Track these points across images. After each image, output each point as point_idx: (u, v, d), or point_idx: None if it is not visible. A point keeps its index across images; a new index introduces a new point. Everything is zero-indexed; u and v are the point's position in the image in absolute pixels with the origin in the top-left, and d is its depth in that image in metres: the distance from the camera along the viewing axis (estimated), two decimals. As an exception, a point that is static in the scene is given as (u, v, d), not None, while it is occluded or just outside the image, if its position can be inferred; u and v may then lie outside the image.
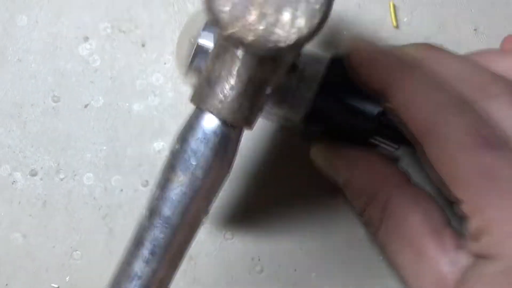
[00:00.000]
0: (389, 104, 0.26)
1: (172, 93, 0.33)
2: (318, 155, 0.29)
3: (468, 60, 0.27)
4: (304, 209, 0.33)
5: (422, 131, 0.25)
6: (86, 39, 0.33)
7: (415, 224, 0.26)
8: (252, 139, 0.33)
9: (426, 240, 0.25)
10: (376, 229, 0.27)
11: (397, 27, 0.34)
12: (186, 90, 0.33)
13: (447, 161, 0.24)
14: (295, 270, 0.33)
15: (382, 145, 0.29)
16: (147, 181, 0.33)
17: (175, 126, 0.33)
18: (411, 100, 0.25)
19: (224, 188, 0.33)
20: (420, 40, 0.33)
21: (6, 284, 0.33)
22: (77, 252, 0.33)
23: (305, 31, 0.17)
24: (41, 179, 0.33)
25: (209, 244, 0.33)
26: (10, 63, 0.33)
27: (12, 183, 0.33)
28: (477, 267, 0.23)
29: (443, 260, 0.24)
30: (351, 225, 0.33)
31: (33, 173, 0.33)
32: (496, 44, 0.32)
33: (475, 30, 0.34)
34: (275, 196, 0.33)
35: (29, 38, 0.33)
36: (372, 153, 0.28)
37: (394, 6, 0.34)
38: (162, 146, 0.33)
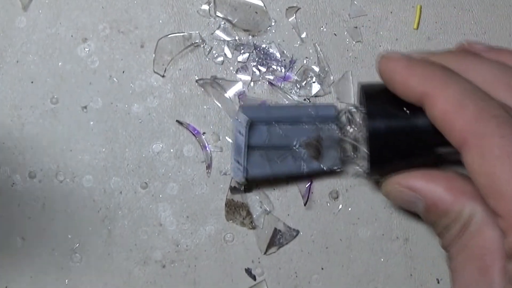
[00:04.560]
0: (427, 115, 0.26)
1: (172, 94, 0.33)
2: (392, 189, 0.29)
3: (505, 65, 0.26)
4: (304, 211, 0.33)
5: (460, 141, 0.24)
6: (84, 40, 0.33)
7: (490, 241, 0.25)
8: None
9: (495, 261, 0.24)
10: (452, 242, 0.26)
11: (417, 29, 0.33)
12: (185, 91, 0.33)
13: (486, 173, 0.23)
14: (296, 272, 0.33)
15: (444, 153, 0.28)
16: (146, 183, 0.33)
17: (174, 128, 0.33)
18: (448, 110, 0.24)
19: (224, 190, 0.33)
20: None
21: (6, 287, 0.33)
22: (76, 254, 0.33)
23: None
24: (40, 181, 0.33)
25: (209, 247, 0.33)
26: (9, 65, 0.33)
27: (12, 185, 0.33)
28: None
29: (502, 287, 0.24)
30: (351, 227, 0.33)
31: (32, 175, 0.33)
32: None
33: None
34: (275, 198, 0.33)
35: (28, 39, 0.33)
36: (445, 169, 0.28)
37: (421, 8, 0.33)
38: (161, 148, 0.33)
